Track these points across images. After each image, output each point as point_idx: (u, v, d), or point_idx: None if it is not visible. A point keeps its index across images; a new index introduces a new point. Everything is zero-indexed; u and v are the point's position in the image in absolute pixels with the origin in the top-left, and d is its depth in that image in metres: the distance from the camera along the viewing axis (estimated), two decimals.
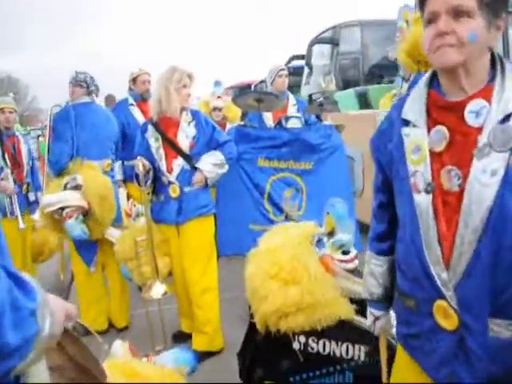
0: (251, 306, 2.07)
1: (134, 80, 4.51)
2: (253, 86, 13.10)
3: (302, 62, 10.74)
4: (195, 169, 2.98)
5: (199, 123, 3.04)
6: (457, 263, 1.20)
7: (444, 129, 1.24)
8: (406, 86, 3.97)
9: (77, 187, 3.22)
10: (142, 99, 4.45)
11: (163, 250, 3.09)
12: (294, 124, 3.77)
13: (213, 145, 3.08)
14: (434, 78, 1.35)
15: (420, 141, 1.27)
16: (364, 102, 7.12)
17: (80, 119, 3.46)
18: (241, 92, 12.71)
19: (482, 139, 1.16)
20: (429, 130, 1.27)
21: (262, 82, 12.69)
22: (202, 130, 3.04)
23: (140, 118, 4.35)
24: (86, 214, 3.27)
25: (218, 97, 5.36)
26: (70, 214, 3.18)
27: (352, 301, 1.98)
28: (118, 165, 4.25)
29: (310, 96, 7.89)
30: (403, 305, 1.42)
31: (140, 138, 3.12)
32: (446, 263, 1.21)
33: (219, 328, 3.10)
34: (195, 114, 3.08)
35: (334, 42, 10.03)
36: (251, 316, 2.12)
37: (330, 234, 2.09)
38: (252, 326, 2.13)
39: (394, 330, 1.70)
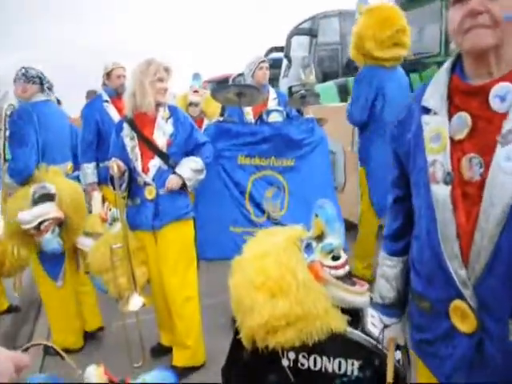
0: (236, 318, 1.93)
1: (107, 75, 4.27)
2: (231, 80, 12.92)
3: (280, 54, 10.59)
4: (173, 168, 2.81)
5: (177, 120, 2.85)
6: (476, 259, 1.13)
7: (466, 115, 1.18)
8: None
9: (48, 196, 2.99)
10: (116, 95, 4.24)
11: (140, 258, 2.91)
12: (276, 118, 3.64)
13: (191, 144, 2.90)
14: (457, 61, 1.26)
15: (441, 128, 1.22)
16: (345, 95, 7.03)
17: (43, 120, 3.19)
18: (219, 85, 12.53)
19: (508, 125, 1.09)
20: (450, 117, 1.21)
21: (239, 75, 12.48)
22: (181, 128, 2.84)
23: (115, 116, 4.15)
24: (60, 225, 3.06)
25: (195, 91, 5.18)
26: (47, 228, 2.97)
27: (343, 311, 1.85)
28: (91, 166, 4.06)
29: (290, 88, 7.76)
30: (417, 307, 1.36)
31: (115, 137, 2.93)
32: (465, 259, 1.15)
33: (201, 340, 2.94)
34: (173, 110, 2.89)
35: (312, 33, 9.93)
36: (236, 331, 1.98)
37: (319, 237, 1.95)
38: (237, 340, 1.98)
39: (403, 342, 1.60)
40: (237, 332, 2.00)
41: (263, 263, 1.84)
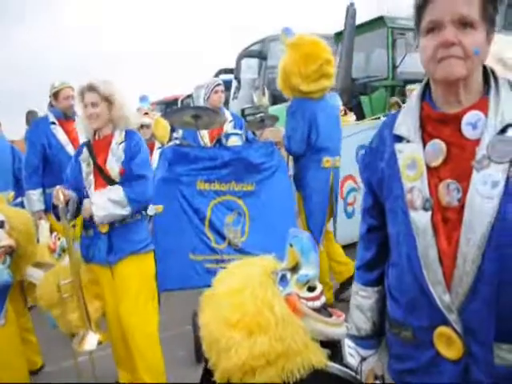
0: (208, 358, 1.80)
1: (55, 95, 4.07)
2: (179, 101, 12.83)
3: (230, 76, 10.64)
4: None
5: (128, 146, 2.65)
6: (459, 283, 1.14)
7: (440, 142, 1.21)
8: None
9: None
10: (64, 117, 4.04)
11: (93, 292, 2.74)
12: (235, 142, 3.59)
13: (127, 170, 2.65)
14: (425, 89, 1.30)
15: (416, 156, 1.24)
16: None
17: None
18: (174, 108, 12.37)
19: (481, 151, 1.14)
20: (424, 145, 1.24)
21: (188, 96, 12.46)
22: (128, 154, 2.64)
23: (63, 139, 3.96)
24: (11, 254, 2.81)
25: (145, 113, 5.06)
26: None
27: (322, 344, 1.78)
28: (37, 193, 3.83)
29: (243, 111, 7.78)
30: (396, 337, 1.34)
31: (73, 161, 2.76)
32: (448, 284, 1.16)
33: (163, 378, 2.77)
34: (128, 135, 2.71)
35: (262, 56, 10.04)
36: (205, 370, 1.86)
37: (294, 269, 1.87)
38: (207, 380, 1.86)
39: (381, 372, 1.57)
40: (206, 372, 1.88)
41: (238, 299, 1.74)
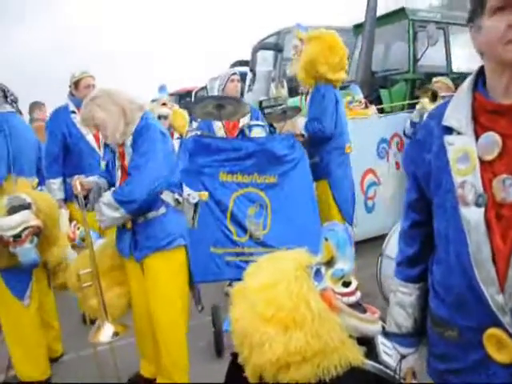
0: (240, 353, 1.76)
1: (75, 84, 4.03)
2: (193, 93, 12.79)
3: (245, 68, 10.58)
4: None
5: (135, 142, 2.50)
6: None
7: (495, 135, 1.16)
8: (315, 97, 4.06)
9: (23, 206, 2.73)
10: None
11: (116, 279, 2.71)
12: (259, 133, 3.53)
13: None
14: (478, 79, 1.23)
15: (468, 149, 1.18)
16: None
17: (13, 132, 3.04)
18: (182, 99, 12.33)
19: None
20: (476, 137, 1.19)
21: (202, 88, 12.41)
22: (136, 151, 2.50)
23: (83, 128, 3.92)
24: (38, 235, 2.80)
25: (163, 104, 5.01)
26: (27, 236, 2.70)
27: (359, 342, 1.73)
28: (57, 182, 3.81)
29: (260, 103, 7.71)
30: (440, 336, 1.29)
31: (110, 152, 2.74)
32: (502, 284, 1.10)
33: (187, 373, 2.72)
34: (138, 132, 2.52)
35: (278, 48, 9.96)
36: (232, 362, 1.83)
37: (329, 263, 1.82)
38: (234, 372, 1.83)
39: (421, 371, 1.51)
40: (233, 363, 1.84)
41: (273, 293, 1.70)
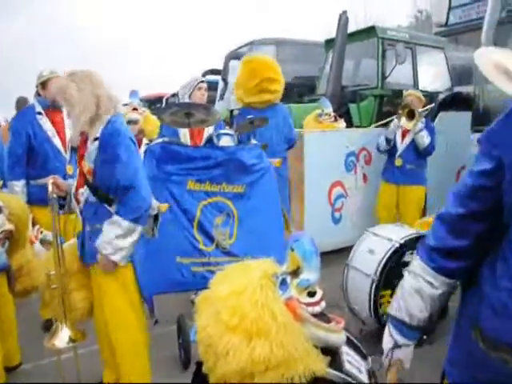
0: (204, 362, 1.75)
1: (42, 84, 3.94)
2: (164, 99, 12.70)
3: (216, 77, 10.61)
4: (102, 202, 2.43)
5: (100, 145, 2.36)
6: None
7: None
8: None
9: None
10: (52, 107, 3.92)
11: (82, 281, 2.66)
12: (228, 142, 3.51)
13: (113, 183, 2.38)
14: None
15: None
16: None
17: None
18: (153, 105, 12.21)
19: None
20: None
21: (173, 95, 12.35)
22: (102, 156, 2.34)
23: (49, 130, 3.83)
24: (9, 239, 2.76)
25: (134, 108, 4.96)
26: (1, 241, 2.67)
27: (323, 351, 1.75)
28: (20, 184, 3.71)
29: (231, 112, 7.73)
30: (486, 355, 1.13)
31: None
32: None
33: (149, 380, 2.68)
34: (105, 130, 2.40)
35: None
36: (197, 371, 1.81)
37: (295, 273, 1.84)
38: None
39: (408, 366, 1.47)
40: (197, 372, 1.83)
41: (238, 301, 1.70)
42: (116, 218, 2.35)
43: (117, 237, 2.34)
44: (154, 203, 2.61)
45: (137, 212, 2.36)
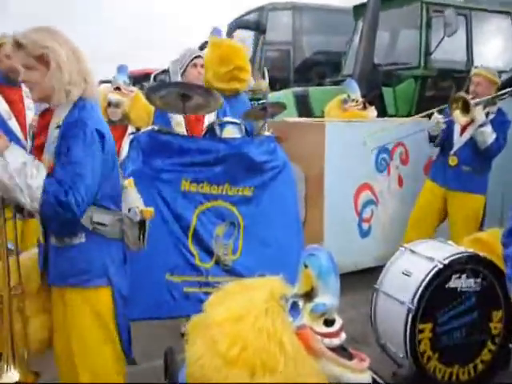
0: None
1: None
2: (152, 78, 12.79)
3: None
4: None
5: (62, 133, 2.34)
6: None
7: None
8: None
9: None
10: (7, 82, 3.97)
11: (41, 303, 2.68)
12: (233, 134, 3.56)
13: None
14: None
15: None
16: (304, 108, 7.15)
17: None
18: (137, 84, 12.31)
19: None
20: None
21: (164, 71, 12.40)
22: (64, 144, 2.31)
23: (4, 110, 3.87)
24: None
25: (116, 88, 5.03)
26: None
27: None
28: None
29: None
30: None
31: None
32: None
33: None
34: (71, 113, 2.38)
35: (259, 28, 10.08)
36: None
37: (308, 295, 1.91)
38: None
39: None
40: None
41: (238, 328, 1.77)
42: (42, 167, 2.31)
43: (21, 162, 2.24)
44: (136, 207, 2.63)
45: (49, 186, 2.25)
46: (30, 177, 2.22)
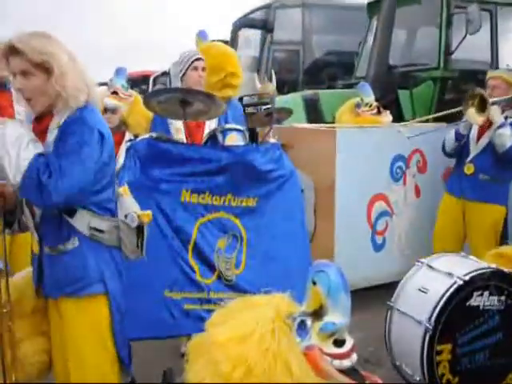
0: None
1: None
2: (151, 80, 12.91)
3: None
4: (61, 212, 2.48)
5: (60, 136, 2.42)
6: None
7: None
8: None
9: None
10: None
11: (41, 325, 2.72)
12: (235, 141, 3.60)
13: None
14: None
15: None
16: (314, 113, 7.18)
17: None
18: (135, 87, 12.40)
19: None
20: None
21: (164, 73, 12.53)
22: (62, 138, 2.40)
23: None
24: None
25: (113, 92, 5.06)
26: None
27: None
28: None
29: (241, 100, 7.83)
30: None
31: None
32: None
33: None
34: (71, 118, 2.44)
35: (266, 27, 10.12)
36: None
37: (317, 313, 1.93)
38: None
39: None
40: None
41: (242, 348, 1.79)
42: (37, 145, 2.38)
43: (16, 137, 2.33)
44: (134, 212, 2.66)
45: (37, 169, 2.30)
46: (22, 149, 2.30)
